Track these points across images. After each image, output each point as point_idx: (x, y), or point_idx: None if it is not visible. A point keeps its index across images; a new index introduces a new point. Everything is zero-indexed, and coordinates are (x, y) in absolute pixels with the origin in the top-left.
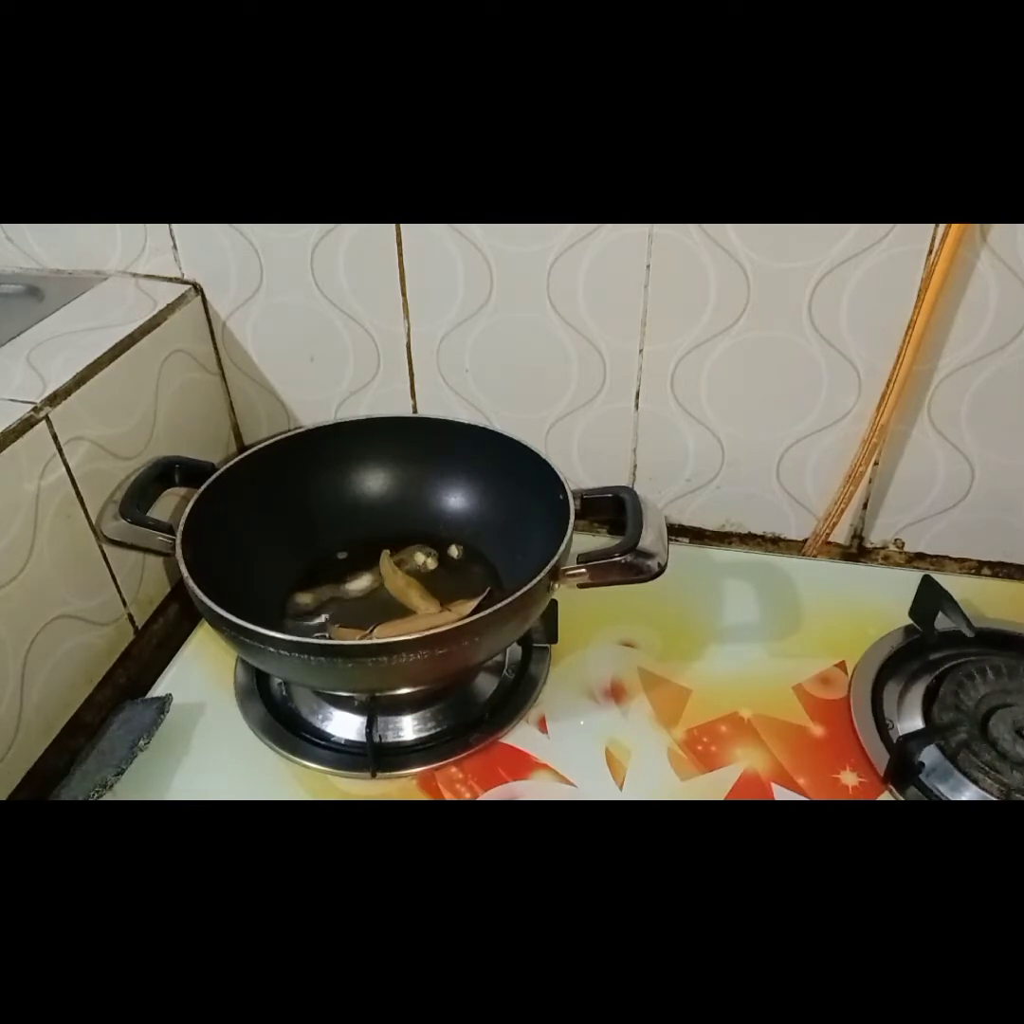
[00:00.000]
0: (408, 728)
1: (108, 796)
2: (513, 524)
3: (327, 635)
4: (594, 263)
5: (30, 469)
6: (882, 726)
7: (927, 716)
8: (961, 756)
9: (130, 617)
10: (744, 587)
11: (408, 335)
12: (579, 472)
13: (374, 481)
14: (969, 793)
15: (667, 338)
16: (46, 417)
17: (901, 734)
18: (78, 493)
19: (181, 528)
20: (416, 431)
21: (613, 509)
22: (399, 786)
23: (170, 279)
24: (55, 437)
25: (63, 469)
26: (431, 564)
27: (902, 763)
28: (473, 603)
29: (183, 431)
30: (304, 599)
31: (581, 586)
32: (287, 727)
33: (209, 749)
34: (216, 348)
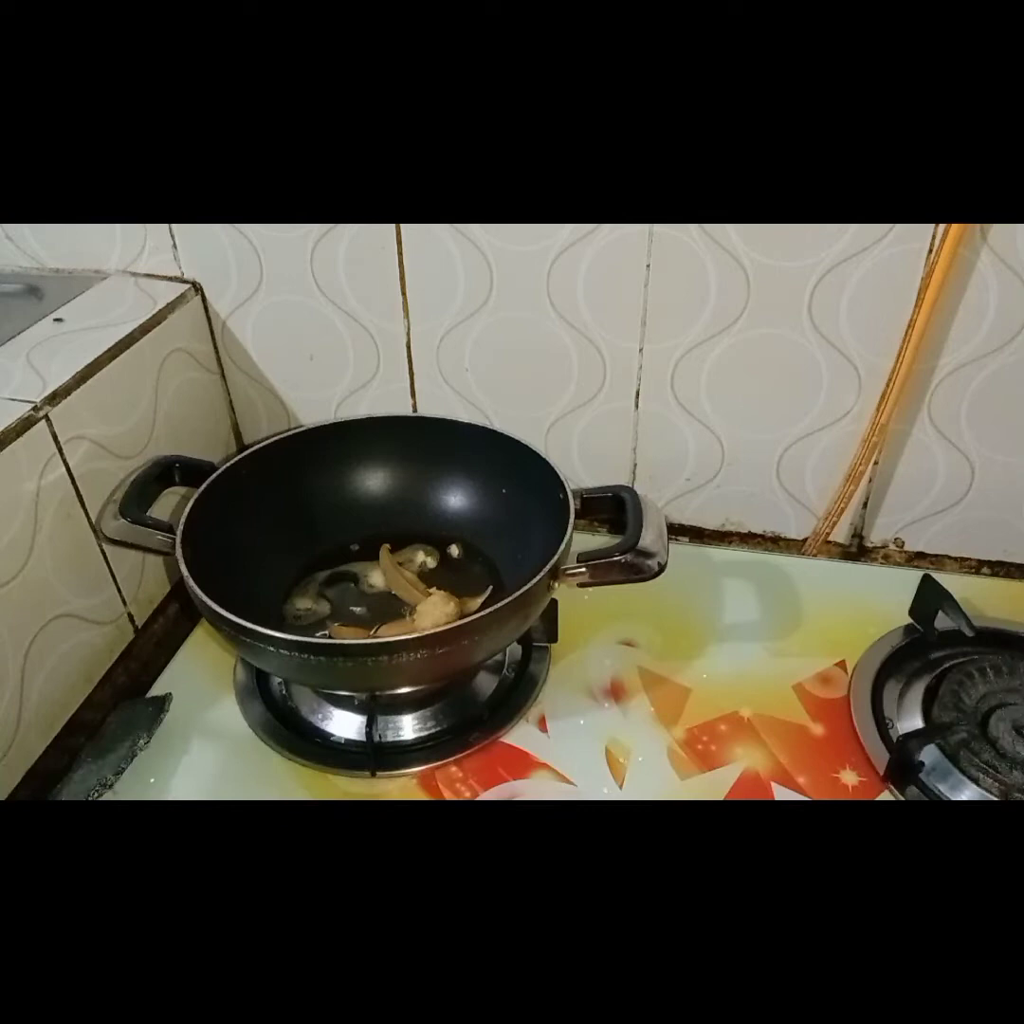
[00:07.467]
0: (408, 727)
1: (108, 796)
2: (513, 523)
3: (327, 634)
4: (594, 263)
5: (30, 469)
6: (882, 725)
7: (927, 715)
8: (961, 755)
9: (130, 616)
10: (744, 586)
11: (408, 334)
12: (579, 471)
13: (374, 480)
14: (969, 792)
15: (667, 337)
16: (46, 416)
17: (901, 733)
18: (78, 493)
19: (181, 527)
20: (416, 430)
21: (613, 508)
22: (399, 785)
23: (170, 278)
24: (55, 436)
25: (63, 468)
26: (431, 563)
27: (902, 762)
28: (479, 600)
29: (183, 430)
30: (302, 603)
31: (581, 585)
32: (287, 726)
33: (209, 749)
34: (216, 347)
